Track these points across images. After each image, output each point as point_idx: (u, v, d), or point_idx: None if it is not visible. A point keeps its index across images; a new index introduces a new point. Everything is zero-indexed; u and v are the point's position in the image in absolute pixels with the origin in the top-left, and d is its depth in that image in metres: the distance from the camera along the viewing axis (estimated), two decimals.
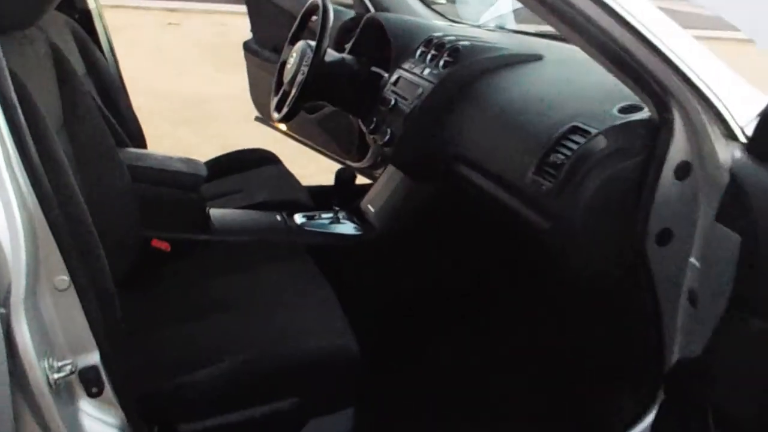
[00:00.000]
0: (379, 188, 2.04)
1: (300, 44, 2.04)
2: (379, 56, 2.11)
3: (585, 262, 1.37)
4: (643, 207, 1.28)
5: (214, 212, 1.87)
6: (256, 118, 3.41)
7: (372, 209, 1.99)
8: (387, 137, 1.78)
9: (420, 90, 1.76)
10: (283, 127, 3.15)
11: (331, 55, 1.98)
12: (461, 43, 1.75)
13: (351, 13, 2.55)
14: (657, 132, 1.27)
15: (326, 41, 1.93)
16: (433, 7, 2.46)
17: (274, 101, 2.16)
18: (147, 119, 4.58)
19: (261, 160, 2.35)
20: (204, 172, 1.76)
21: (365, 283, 1.86)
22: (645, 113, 1.31)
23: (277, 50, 3.08)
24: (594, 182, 1.27)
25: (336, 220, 1.96)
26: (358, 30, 2.19)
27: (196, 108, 4.97)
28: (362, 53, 2.12)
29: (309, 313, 1.52)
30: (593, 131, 1.30)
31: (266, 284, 1.59)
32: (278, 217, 1.93)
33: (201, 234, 1.76)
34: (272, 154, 2.40)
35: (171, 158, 1.77)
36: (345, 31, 2.57)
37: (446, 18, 2.42)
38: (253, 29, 3.21)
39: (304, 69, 1.98)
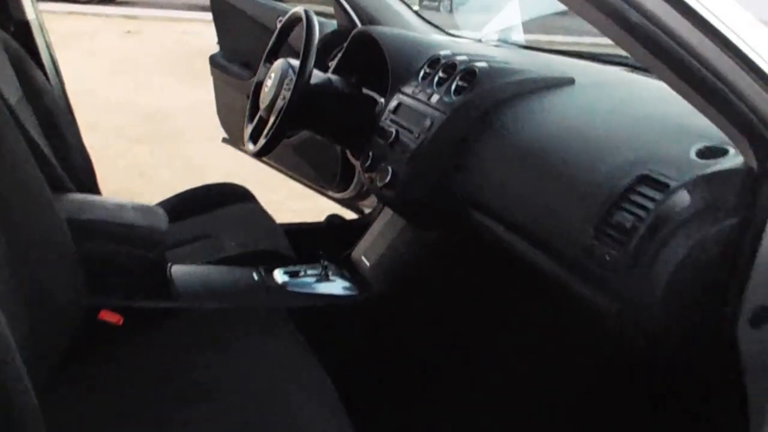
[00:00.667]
0: (375, 236, 1.72)
1: (279, 63, 1.72)
2: (371, 77, 1.81)
3: (658, 347, 1.07)
4: (738, 281, 0.99)
5: (177, 271, 1.54)
6: (224, 140, 3.08)
7: (367, 262, 1.67)
8: (388, 177, 1.47)
9: (428, 121, 1.46)
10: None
11: (317, 76, 1.67)
12: (477, 64, 1.45)
13: (333, 25, 2.24)
14: (757, 185, 0.98)
15: (312, 60, 1.61)
16: (429, 18, 2.16)
17: (249, 129, 1.84)
18: (101, 136, 4.23)
19: (231, 196, 2.02)
20: (164, 224, 1.43)
21: (361, 354, 1.55)
22: (734, 159, 1.03)
23: (249, 66, 2.78)
24: (678, 252, 0.98)
25: (324, 277, 1.63)
26: (345, 45, 1.89)
27: (156, 123, 4.61)
28: (350, 73, 1.81)
29: (298, 406, 1.20)
30: (672, 183, 1.01)
31: (243, 366, 1.27)
32: (255, 275, 1.61)
33: (161, 301, 1.42)
34: (244, 190, 2.07)
35: (124, 206, 1.44)
36: (327, 46, 2.25)
37: (444, 31, 2.12)
38: (220, 41, 2.89)
39: (286, 93, 1.66)
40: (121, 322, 1.29)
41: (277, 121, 1.63)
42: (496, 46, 1.96)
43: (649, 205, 1.00)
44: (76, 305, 1.23)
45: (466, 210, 1.42)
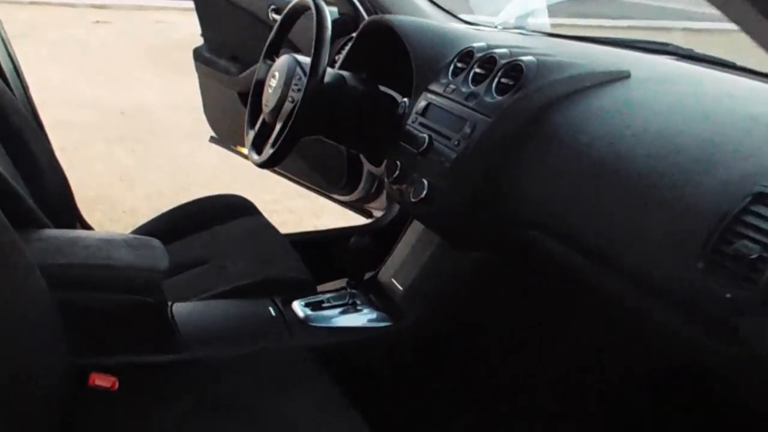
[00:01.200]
0: (405, 255, 1.51)
1: (284, 60, 1.51)
2: (385, 73, 1.61)
3: None
4: None
5: (180, 312, 1.32)
6: (212, 139, 2.86)
7: (399, 286, 1.46)
8: (424, 191, 1.27)
9: (468, 126, 1.26)
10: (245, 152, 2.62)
11: (329, 73, 1.46)
12: (524, 58, 1.25)
13: (334, 13, 2.03)
14: None
15: (326, 56, 1.40)
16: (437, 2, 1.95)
17: (250, 136, 1.62)
18: (75, 136, 3.98)
19: (232, 210, 1.80)
20: (164, 263, 1.21)
21: (398, 392, 1.35)
22: None
23: (237, 59, 2.56)
24: None
25: (352, 306, 1.43)
26: (355, 37, 1.67)
27: (135, 122, 4.34)
28: (360, 68, 1.60)
29: None
30: None
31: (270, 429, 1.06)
32: (271, 310, 1.40)
33: (163, 354, 1.20)
34: (246, 202, 1.86)
35: (111, 242, 1.21)
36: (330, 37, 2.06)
37: (459, 18, 1.92)
38: (205, 33, 2.65)
39: (294, 94, 1.45)
40: (116, 386, 1.07)
41: (287, 127, 1.42)
42: (521, 34, 1.76)
43: None
44: (59, 371, 1.02)
45: (518, 228, 1.23)
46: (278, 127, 1.49)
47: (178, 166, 3.65)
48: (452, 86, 1.37)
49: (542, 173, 1.19)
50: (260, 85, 1.63)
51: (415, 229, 1.49)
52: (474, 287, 1.37)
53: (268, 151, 1.50)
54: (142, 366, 1.16)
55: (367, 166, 1.66)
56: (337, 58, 1.81)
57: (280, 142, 1.44)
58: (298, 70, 1.47)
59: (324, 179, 2.24)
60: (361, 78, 1.55)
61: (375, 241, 2.06)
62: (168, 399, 1.10)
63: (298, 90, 1.45)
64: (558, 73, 1.24)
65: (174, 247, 1.70)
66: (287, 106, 1.47)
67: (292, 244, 1.76)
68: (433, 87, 1.41)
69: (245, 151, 2.63)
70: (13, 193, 1.19)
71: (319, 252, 1.98)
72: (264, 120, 1.58)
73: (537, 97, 1.22)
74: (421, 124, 1.39)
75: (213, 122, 2.81)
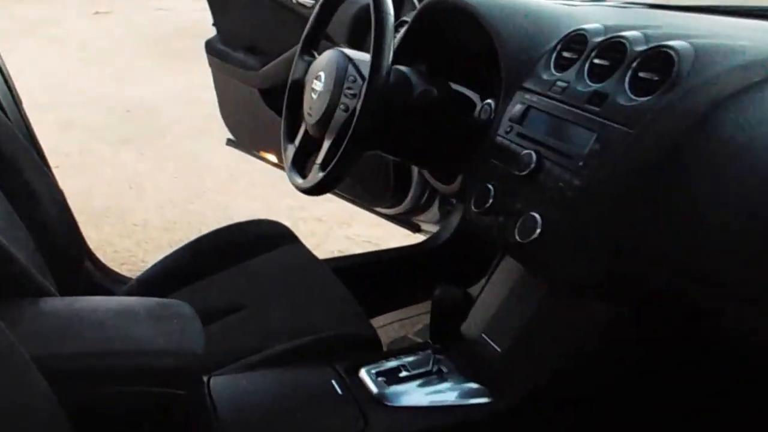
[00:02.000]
0: (499, 302, 1.14)
1: (331, 57, 1.17)
2: (452, 67, 1.27)
3: None
4: None
5: (219, 387, 0.99)
6: (229, 142, 2.52)
7: (494, 344, 1.11)
8: (538, 230, 0.93)
9: (598, 140, 0.92)
10: (272, 158, 2.29)
11: (394, 72, 1.12)
12: (674, 44, 0.91)
13: None
14: None
15: (390, 51, 1.06)
16: None
17: (290, 153, 1.29)
18: (79, 138, 3.65)
19: (268, 239, 1.46)
20: (200, 342, 0.88)
21: None
22: None
23: (254, 51, 2.22)
24: None
25: (437, 376, 1.09)
26: (411, 21, 1.33)
27: (141, 120, 4.00)
28: (412, 63, 1.26)
29: None
30: None
31: None
32: (334, 384, 1.06)
33: None
34: (283, 229, 1.52)
35: (130, 310, 0.88)
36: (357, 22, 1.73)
37: None
38: (217, 22, 2.31)
39: (348, 101, 1.12)
40: None
41: (346, 143, 1.08)
42: (621, 6, 1.41)
43: None
44: None
45: (672, 280, 0.89)
46: (328, 143, 1.16)
47: (189, 169, 3.31)
48: (561, 83, 1.02)
49: (705, 205, 0.85)
50: (298, 87, 1.30)
51: (509, 268, 1.15)
52: (599, 350, 1.03)
53: (316, 173, 1.16)
54: None
55: (434, 184, 1.33)
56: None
57: (334, 162, 1.11)
58: (351, 69, 1.14)
59: (366, 190, 1.91)
60: (425, 75, 1.21)
61: (433, 270, 1.74)
62: None
63: (353, 95, 1.12)
64: (722, 62, 0.90)
65: (200, 288, 1.38)
66: (339, 115, 1.13)
67: (337, 273, 1.43)
68: (531, 85, 1.07)
69: (271, 157, 2.32)
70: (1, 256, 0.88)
71: (368, 281, 1.66)
72: (306, 132, 1.25)
73: (699, 97, 0.87)
74: (519, 135, 1.04)
75: (230, 123, 2.48)
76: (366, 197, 1.94)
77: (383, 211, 1.97)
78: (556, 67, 1.06)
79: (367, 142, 1.10)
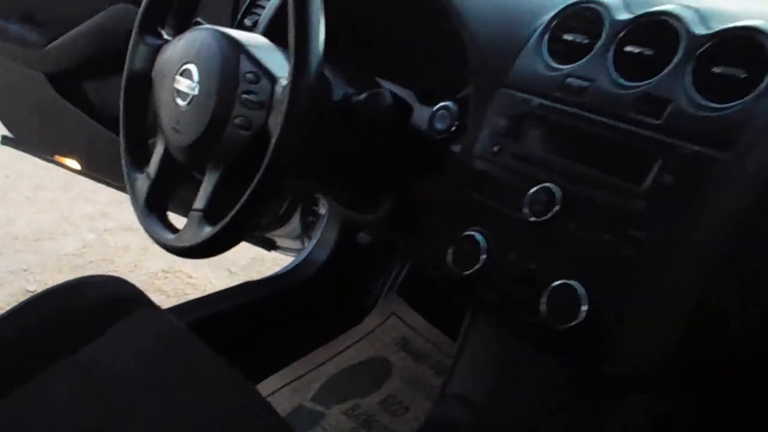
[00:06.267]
0: (494, 387, 0.80)
1: (205, 38, 0.76)
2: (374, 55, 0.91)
3: None
4: None
5: None
6: (4, 140, 1.94)
7: None
8: (582, 309, 0.62)
9: (663, 168, 0.62)
10: (74, 164, 1.76)
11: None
12: (761, 25, 0.62)
13: None
14: None
15: (321, 39, 0.68)
16: None
17: (142, 190, 0.84)
18: None
19: (110, 308, 1.00)
20: None
21: None
22: None
23: (35, 21, 1.67)
24: None
25: None
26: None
27: None
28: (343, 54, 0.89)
29: None
30: None
31: None
32: None
33: None
34: (130, 288, 1.04)
35: None
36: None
37: None
38: None
39: (249, 112, 0.72)
40: None
41: (260, 179, 0.68)
42: None
43: None
44: None
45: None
46: (213, 177, 0.74)
47: None
48: (575, 81, 0.70)
49: None
50: (142, 83, 0.86)
51: (498, 347, 0.82)
52: None
53: (199, 227, 0.74)
54: None
55: (346, 215, 0.96)
56: (247, 21, 1.07)
57: (237, 210, 0.70)
58: (246, 62, 0.73)
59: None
60: (348, 69, 0.84)
61: (308, 307, 1.37)
62: None
63: (257, 104, 0.72)
64: None
65: (19, 401, 0.89)
66: (234, 135, 0.72)
67: (195, 328, 1.01)
68: (521, 81, 0.74)
69: (72, 164, 1.78)
70: None
71: (238, 335, 1.26)
72: (168, 155, 0.82)
73: None
74: (518, 157, 0.71)
75: (5, 116, 1.90)
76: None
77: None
78: (554, 56, 0.73)
79: (292, 174, 0.70)
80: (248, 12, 1.07)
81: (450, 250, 0.73)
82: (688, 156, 0.61)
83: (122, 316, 0.98)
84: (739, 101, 0.61)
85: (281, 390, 1.23)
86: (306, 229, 1.56)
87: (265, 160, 0.66)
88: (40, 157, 1.84)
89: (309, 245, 1.47)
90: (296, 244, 1.62)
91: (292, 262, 1.46)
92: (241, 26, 1.06)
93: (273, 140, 0.66)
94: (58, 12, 1.61)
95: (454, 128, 0.79)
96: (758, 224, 0.59)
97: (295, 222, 1.55)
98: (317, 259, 1.43)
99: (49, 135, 1.77)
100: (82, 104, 1.65)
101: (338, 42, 0.85)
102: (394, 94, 0.84)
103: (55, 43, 1.59)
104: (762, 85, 0.60)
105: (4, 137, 1.93)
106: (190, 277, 2.13)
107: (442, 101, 0.81)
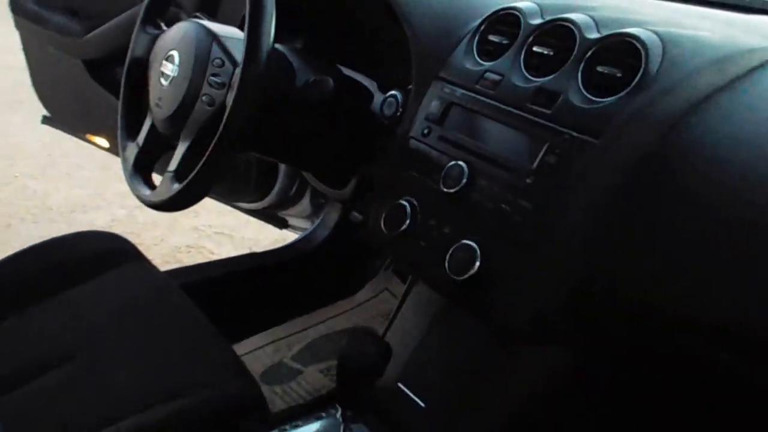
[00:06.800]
0: (417, 343, 0.92)
1: (188, 31, 0.90)
2: (340, 47, 1.03)
3: None
4: None
5: None
6: (44, 120, 2.12)
7: (416, 398, 0.88)
8: (476, 264, 0.73)
9: (551, 151, 0.73)
10: (103, 142, 1.92)
11: (274, 54, 0.86)
12: (637, 32, 0.73)
13: None
14: None
15: (272, 26, 0.81)
16: None
17: (130, 154, 0.99)
18: None
19: (101, 258, 1.15)
20: None
21: None
22: None
23: (76, 13, 1.84)
24: None
25: None
26: None
27: None
28: (293, 39, 1.02)
29: None
30: None
31: None
32: None
33: None
34: (122, 244, 1.20)
35: None
36: None
37: None
38: None
39: (213, 91, 0.85)
40: None
41: (213, 146, 0.82)
42: None
43: None
44: None
45: (641, 324, 0.72)
46: (184, 145, 0.88)
47: None
48: (492, 75, 0.82)
49: (680, 229, 0.68)
50: (140, 68, 1.00)
51: (425, 300, 0.94)
52: (551, 405, 0.84)
53: (169, 184, 0.88)
54: None
55: (321, 189, 1.08)
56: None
57: (197, 171, 0.84)
58: (216, 49, 0.87)
59: (224, 183, 1.62)
60: (309, 57, 0.97)
61: (307, 277, 1.50)
62: None
63: (220, 84, 0.85)
64: (694, 56, 0.73)
65: (10, 327, 1.05)
66: (201, 110, 0.86)
67: (190, 291, 1.15)
68: (450, 75, 0.86)
69: (101, 142, 1.95)
70: None
71: (230, 296, 1.40)
72: (153, 128, 0.96)
73: (674, 98, 0.70)
74: (442, 139, 0.83)
75: (46, 98, 2.08)
76: (222, 192, 1.66)
77: (244, 206, 1.70)
78: (480, 54, 0.85)
79: (240, 145, 0.84)
80: None
81: (383, 216, 0.85)
82: (568, 141, 0.72)
83: (112, 267, 1.13)
84: (613, 97, 0.71)
85: (264, 348, 1.36)
86: (316, 210, 1.68)
87: (219, 131, 0.80)
88: (73, 134, 2.02)
89: (314, 224, 1.61)
90: (306, 224, 1.74)
91: (296, 238, 1.60)
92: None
93: (225, 114, 0.79)
94: (97, 6, 1.78)
95: (398, 114, 0.91)
96: (624, 197, 0.70)
97: (305, 203, 1.68)
98: (318, 236, 1.56)
99: (83, 115, 1.94)
100: (112, 89, 1.81)
101: (304, 34, 0.98)
102: (354, 82, 0.97)
103: (92, 33, 1.75)
104: (632, 84, 0.71)
105: (45, 117, 2.12)
106: (212, 253, 2.28)
107: (396, 90, 0.93)
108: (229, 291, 1.39)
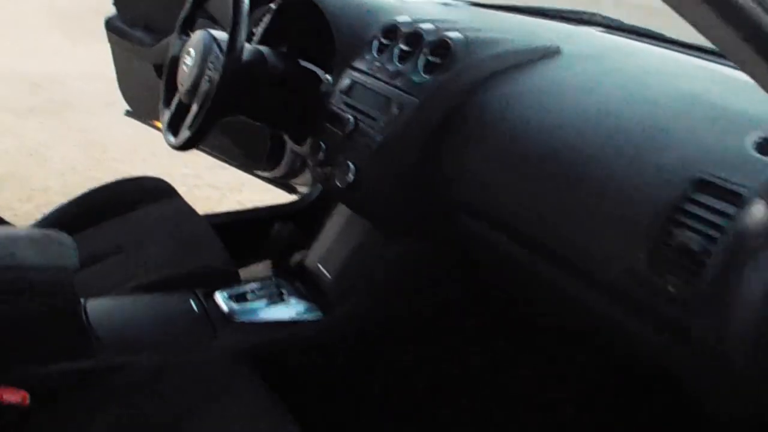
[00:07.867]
0: (332, 239, 1.43)
1: (199, 36, 1.41)
2: (308, 48, 1.52)
3: (748, 404, 0.86)
4: None
5: (94, 308, 1.22)
6: (127, 113, 2.70)
7: (326, 272, 1.39)
8: (351, 176, 1.21)
9: (395, 107, 1.19)
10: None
11: (247, 50, 1.37)
12: (450, 34, 1.19)
13: None
14: None
15: (244, 32, 1.31)
16: None
17: (166, 116, 1.52)
18: None
19: (149, 194, 1.69)
20: (74, 260, 1.10)
21: (335, 392, 1.29)
22: None
23: (151, 29, 2.41)
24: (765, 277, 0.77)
25: (278, 297, 1.36)
26: (273, 10, 1.58)
27: (47, 92, 4.09)
28: (279, 43, 1.52)
29: None
30: (742, 190, 0.79)
31: None
32: (192, 304, 1.31)
33: (77, 361, 1.11)
34: (164, 184, 1.75)
35: (15, 236, 1.10)
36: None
37: None
38: (117, 1, 2.49)
39: (211, 73, 1.36)
40: (27, 401, 0.98)
41: (204, 109, 1.33)
42: (446, 5, 1.69)
43: (719, 220, 0.79)
44: None
45: (450, 214, 1.18)
46: (194, 108, 1.39)
47: (91, 141, 3.46)
48: (378, 64, 1.30)
49: (472, 157, 1.14)
50: (175, 62, 1.53)
51: (343, 212, 1.43)
52: (407, 277, 1.31)
53: (184, 133, 1.40)
54: (56, 376, 1.06)
55: (291, 145, 1.58)
56: (255, 31, 1.72)
57: (197, 124, 1.35)
58: (215, 47, 1.38)
59: (246, 155, 2.14)
60: (281, 54, 1.47)
61: (300, 226, 1.99)
62: (86, 412, 1.01)
63: (215, 69, 1.36)
64: (487, 50, 1.19)
65: (86, 236, 1.59)
66: (204, 86, 1.37)
67: (214, 227, 1.67)
68: (358, 64, 1.34)
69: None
70: None
71: (241, 234, 1.90)
72: (180, 100, 1.48)
73: (465, 76, 1.16)
74: (346, 104, 1.31)
75: (128, 96, 2.66)
76: (245, 161, 2.17)
77: (262, 174, 2.21)
78: (376, 51, 1.33)
79: (225, 109, 1.34)
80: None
81: (309, 152, 1.34)
82: (406, 100, 1.19)
83: (157, 200, 1.65)
84: (433, 75, 1.18)
85: (259, 268, 1.85)
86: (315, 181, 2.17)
87: (209, 98, 1.30)
88: (145, 122, 2.59)
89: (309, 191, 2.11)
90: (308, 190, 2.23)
91: (297, 199, 2.10)
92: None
93: (214, 87, 1.30)
94: (164, 24, 2.34)
95: (328, 90, 1.40)
96: (433, 134, 1.15)
97: (307, 174, 2.16)
98: (311, 197, 2.06)
99: (152, 107, 2.51)
100: None
101: (290, 38, 1.47)
102: (306, 70, 1.46)
103: (159, 44, 2.32)
104: (443, 66, 1.17)
105: (127, 111, 2.71)
106: None
107: (326, 75, 1.42)
108: (241, 229, 1.89)
